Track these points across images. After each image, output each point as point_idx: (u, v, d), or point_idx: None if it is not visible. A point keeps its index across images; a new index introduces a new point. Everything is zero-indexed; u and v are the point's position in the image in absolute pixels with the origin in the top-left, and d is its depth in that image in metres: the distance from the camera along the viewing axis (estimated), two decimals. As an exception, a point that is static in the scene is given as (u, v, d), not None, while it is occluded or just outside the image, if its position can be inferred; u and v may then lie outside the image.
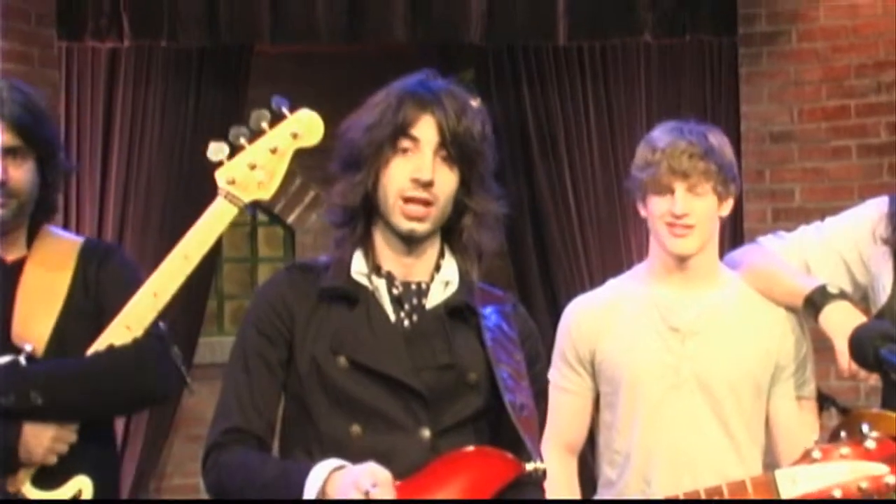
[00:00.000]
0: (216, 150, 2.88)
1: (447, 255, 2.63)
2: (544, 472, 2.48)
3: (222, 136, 6.04)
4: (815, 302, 3.10)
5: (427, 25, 5.82)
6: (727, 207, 3.22)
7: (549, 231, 6.10)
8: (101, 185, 5.67)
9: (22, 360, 2.96)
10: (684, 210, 3.13)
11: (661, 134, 3.19)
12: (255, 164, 2.85)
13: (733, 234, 5.51)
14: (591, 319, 3.27)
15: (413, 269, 2.59)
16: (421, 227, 2.54)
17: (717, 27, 6.08)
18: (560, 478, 3.24)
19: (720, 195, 3.17)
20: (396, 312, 2.58)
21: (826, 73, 5.94)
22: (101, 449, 3.04)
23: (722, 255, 3.33)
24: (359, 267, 2.59)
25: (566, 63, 6.07)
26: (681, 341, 3.20)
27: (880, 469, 2.68)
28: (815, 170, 5.90)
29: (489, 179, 2.61)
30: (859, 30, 5.86)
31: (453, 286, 2.60)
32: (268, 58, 6.33)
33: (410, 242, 2.57)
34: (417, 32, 5.81)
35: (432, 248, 2.61)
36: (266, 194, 2.88)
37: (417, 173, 2.52)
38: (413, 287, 2.59)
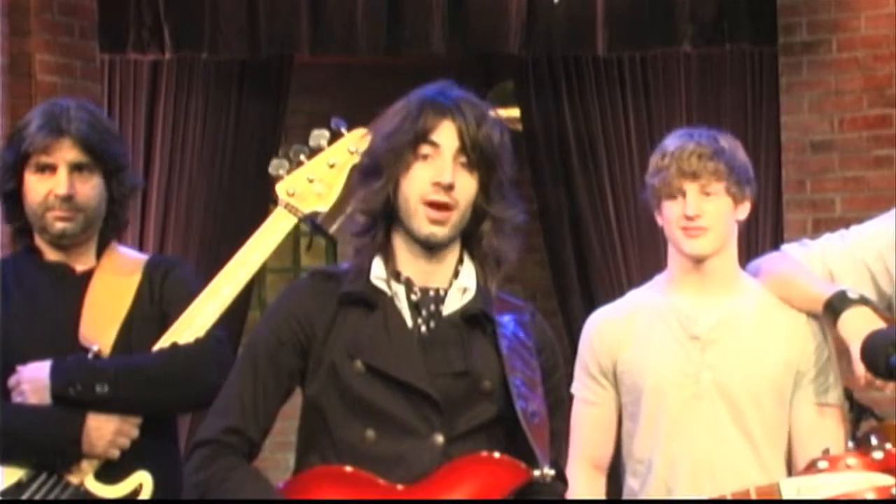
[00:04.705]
0: (276, 165, 3.12)
1: (466, 261, 2.64)
2: (552, 479, 2.51)
3: (262, 146, 6.11)
4: (835, 307, 3.07)
5: (466, 36, 5.85)
6: (744, 210, 3.20)
7: (589, 240, 6.13)
8: (143, 196, 5.69)
9: (89, 356, 3.06)
10: (696, 211, 3.12)
11: (671, 140, 3.20)
12: (313, 178, 3.08)
13: (774, 245, 5.50)
14: (611, 330, 3.27)
15: (432, 275, 2.62)
16: (441, 231, 2.57)
17: (756, 37, 6.08)
18: (586, 496, 3.23)
19: (734, 196, 3.16)
20: (414, 318, 2.60)
21: (867, 83, 5.92)
22: (163, 445, 3.12)
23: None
24: (378, 272, 2.61)
25: (606, 73, 6.10)
26: (700, 350, 3.19)
27: (887, 480, 2.67)
28: (856, 179, 5.90)
29: (508, 187, 2.63)
30: (901, 39, 5.85)
31: (471, 293, 2.62)
32: (307, 69, 6.37)
33: (430, 248, 2.59)
34: (456, 43, 5.84)
35: (452, 255, 2.63)
36: (325, 205, 3.11)
37: (438, 177, 2.55)
38: (431, 293, 2.61)
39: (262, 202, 5.62)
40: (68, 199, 3.09)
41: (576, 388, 3.32)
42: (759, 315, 3.22)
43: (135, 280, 3.18)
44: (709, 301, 3.21)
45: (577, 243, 6.16)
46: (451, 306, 2.62)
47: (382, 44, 5.78)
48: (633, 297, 3.35)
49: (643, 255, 5.94)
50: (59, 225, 3.10)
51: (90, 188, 3.12)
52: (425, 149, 2.56)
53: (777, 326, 3.21)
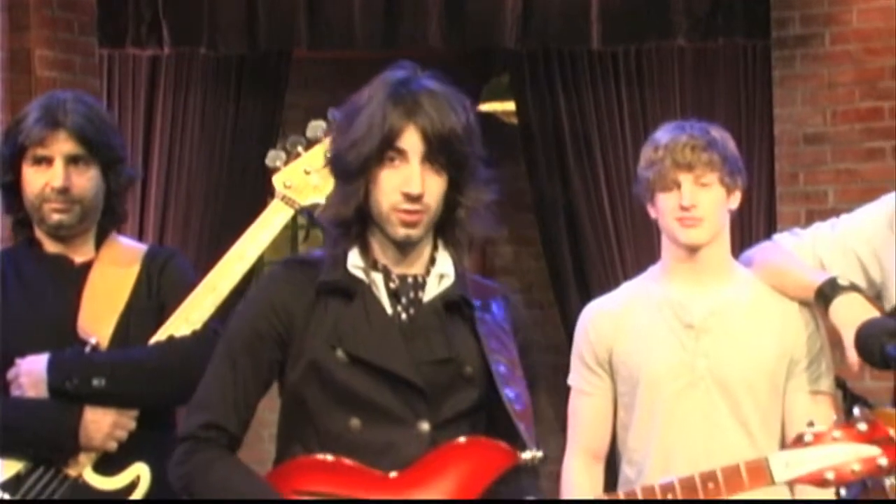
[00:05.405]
0: (274, 157, 3.13)
1: (440, 248, 2.63)
2: (539, 460, 2.52)
3: (260, 141, 6.11)
4: (826, 294, 3.10)
5: (462, 30, 5.88)
6: (735, 200, 3.24)
7: (584, 233, 6.15)
8: (142, 191, 5.74)
9: (87, 350, 3.08)
10: (692, 202, 3.15)
11: (663, 133, 3.23)
12: (310, 170, 3.09)
13: (768, 237, 5.52)
14: (607, 321, 3.30)
15: (409, 263, 2.60)
16: (415, 233, 2.55)
17: (750, 31, 6.10)
18: (585, 488, 3.25)
19: (727, 186, 3.19)
20: (393, 306, 2.58)
21: (860, 76, 5.94)
22: (161, 437, 3.09)
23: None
24: (355, 261, 2.59)
25: (600, 67, 6.11)
26: (695, 338, 3.22)
27: (872, 451, 2.70)
28: (849, 171, 5.92)
29: (478, 170, 2.60)
30: (893, 31, 5.83)
31: (449, 279, 2.62)
32: (305, 64, 6.40)
33: (405, 246, 2.58)
34: (452, 37, 5.87)
35: (427, 243, 2.61)
36: (321, 197, 3.08)
37: (407, 187, 2.52)
38: (409, 280, 2.60)
39: (261, 195, 5.65)
40: (64, 192, 3.09)
41: (572, 379, 3.36)
42: (752, 304, 3.25)
43: (133, 271, 3.19)
44: (703, 290, 3.24)
45: (572, 235, 6.18)
46: (430, 293, 2.61)
47: (379, 38, 5.81)
48: (628, 287, 3.38)
49: (638, 246, 5.95)
50: (56, 216, 3.11)
51: (86, 180, 3.13)
52: (392, 154, 2.53)
53: (770, 315, 3.24)
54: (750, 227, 5.88)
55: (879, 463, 2.69)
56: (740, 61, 6.14)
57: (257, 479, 2.55)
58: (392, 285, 2.59)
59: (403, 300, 2.59)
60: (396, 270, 2.60)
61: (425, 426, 2.54)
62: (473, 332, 2.60)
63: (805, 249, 3.29)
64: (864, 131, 5.92)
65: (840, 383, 3.26)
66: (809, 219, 5.71)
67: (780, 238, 3.38)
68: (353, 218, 2.57)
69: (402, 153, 2.53)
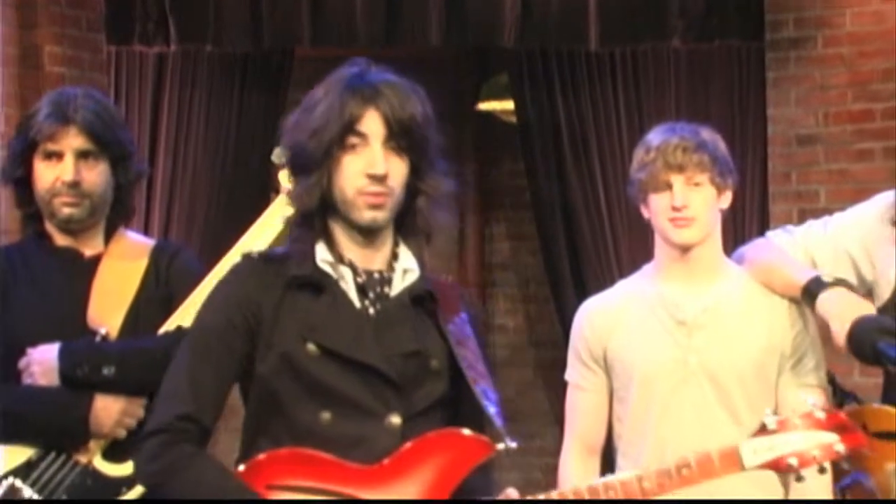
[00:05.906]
0: (279, 153, 3.11)
1: (401, 243, 2.64)
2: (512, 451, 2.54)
3: (263, 137, 6.13)
4: (811, 291, 3.15)
5: (462, 29, 5.93)
6: (726, 199, 3.29)
7: (581, 232, 6.20)
8: (148, 185, 5.78)
9: (97, 340, 3.14)
10: (683, 202, 3.21)
11: (654, 135, 3.29)
12: None
13: (760, 235, 5.58)
14: (602, 318, 3.35)
15: (373, 258, 2.61)
16: (381, 215, 2.56)
17: (745, 33, 6.13)
18: (581, 480, 3.22)
19: (718, 186, 3.25)
20: (361, 300, 2.59)
21: (852, 78, 5.97)
22: None
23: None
24: (323, 255, 2.59)
25: (598, 68, 6.15)
26: (687, 335, 3.27)
27: (830, 438, 2.77)
28: (841, 172, 5.95)
29: (438, 160, 2.62)
30: (885, 35, 5.88)
31: (413, 274, 2.63)
32: (308, 61, 6.47)
33: (369, 233, 2.59)
34: (452, 36, 5.92)
35: (388, 238, 2.63)
36: None
37: (371, 168, 2.53)
38: (376, 275, 2.61)
39: (264, 191, 5.71)
40: (75, 186, 3.14)
41: (569, 375, 3.42)
42: (743, 301, 3.30)
43: (142, 265, 3.24)
44: (695, 288, 3.30)
45: (569, 232, 6.22)
46: (396, 287, 2.61)
47: (381, 36, 5.86)
48: (623, 286, 3.44)
49: (633, 244, 5.98)
50: (66, 210, 3.16)
51: (96, 175, 3.18)
52: (353, 140, 2.54)
53: (761, 312, 3.29)
54: (743, 226, 5.92)
55: (836, 449, 2.77)
56: (735, 63, 6.17)
57: (234, 479, 2.50)
58: (359, 280, 2.59)
59: (371, 295, 2.60)
60: (361, 265, 2.60)
61: (396, 419, 2.54)
62: (437, 326, 2.62)
63: (797, 247, 3.34)
64: (855, 133, 5.95)
65: (830, 379, 3.32)
66: (801, 218, 5.72)
67: (773, 235, 3.43)
68: (318, 209, 2.58)
69: (363, 137, 2.54)
